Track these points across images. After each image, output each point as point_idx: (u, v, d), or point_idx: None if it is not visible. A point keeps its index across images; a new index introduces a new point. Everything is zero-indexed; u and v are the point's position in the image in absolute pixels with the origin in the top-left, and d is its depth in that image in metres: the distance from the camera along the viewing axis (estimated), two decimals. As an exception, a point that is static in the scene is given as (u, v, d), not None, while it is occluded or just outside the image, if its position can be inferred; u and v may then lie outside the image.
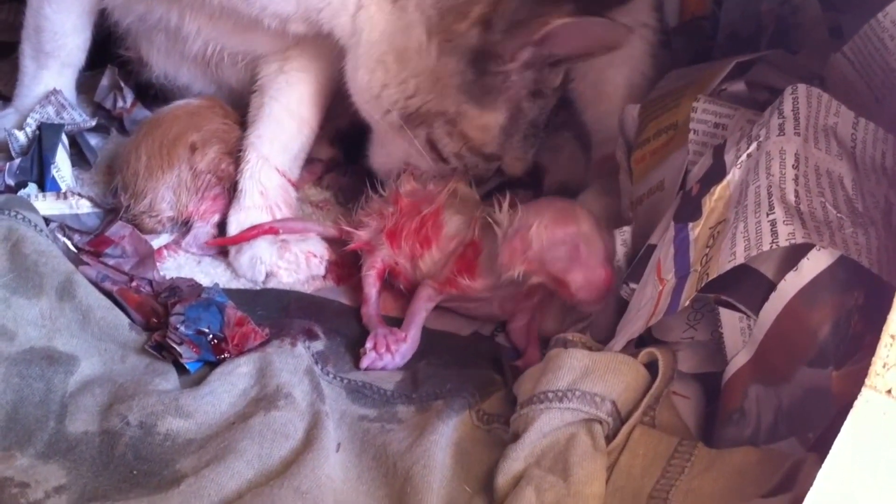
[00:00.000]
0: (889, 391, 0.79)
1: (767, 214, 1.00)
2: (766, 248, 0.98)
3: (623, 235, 1.23)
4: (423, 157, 1.36)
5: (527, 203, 1.25)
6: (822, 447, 0.83)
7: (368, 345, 1.25)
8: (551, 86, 1.29)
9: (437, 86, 1.28)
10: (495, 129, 1.31)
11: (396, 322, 1.31)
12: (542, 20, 1.20)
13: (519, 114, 1.31)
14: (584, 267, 1.18)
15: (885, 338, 0.79)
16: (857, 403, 0.79)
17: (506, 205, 1.25)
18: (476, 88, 1.27)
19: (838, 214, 1.01)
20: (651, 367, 1.07)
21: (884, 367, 0.79)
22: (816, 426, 0.95)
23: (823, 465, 0.79)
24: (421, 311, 1.30)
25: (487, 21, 1.24)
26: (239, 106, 1.52)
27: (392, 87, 1.31)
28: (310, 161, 1.55)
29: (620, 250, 1.22)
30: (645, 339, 1.11)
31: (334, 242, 1.44)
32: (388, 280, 1.37)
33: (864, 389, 0.79)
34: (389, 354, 1.24)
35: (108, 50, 1.61)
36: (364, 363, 1.24)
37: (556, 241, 1.19)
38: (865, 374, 0.80)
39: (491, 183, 1.46)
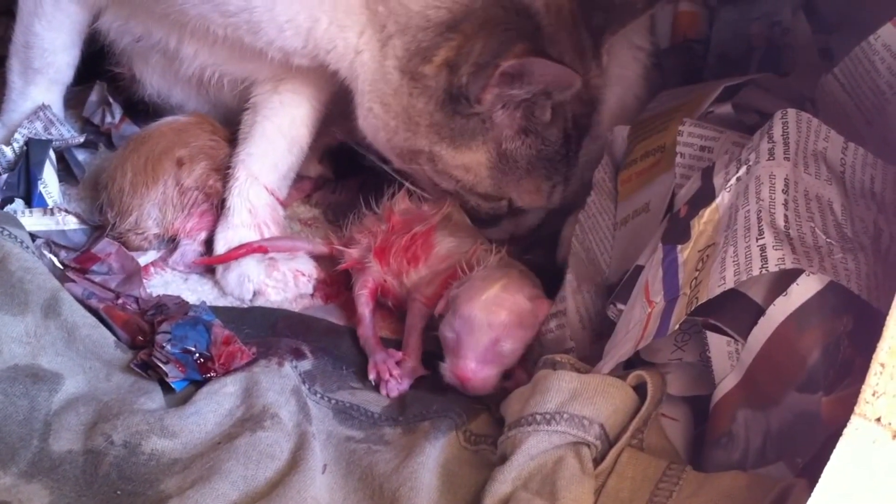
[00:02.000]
0: (878, 419, 0.79)
1: (757, 239, 1.00)
2: (755, 272, 0.98)
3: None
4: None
5: (502, 264, 1.27)
6: (811, 472, 0.83)
7: (371, 376, 1.25)
8: (540, 122, 1.29)
9: (411, 125, 1.30)
10: (480, 168, 1.32)
11: (390, 343, 1.31)
12: (496, 63, 1.22)
13: (507, 154, 1.31)
14: (453, 354, 1.20)
15: (874, 366, 0.79)
16: (846, 431, 0.79)
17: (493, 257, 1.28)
18: (447, 129, 1.29)
19: (828, 240, 1.01)
20: (640, 389, 1.07)
21: (873, 395, 0.79)
22: (805, 451, 0.95)
23: (813, 493, 0.78)
24: (418, 326, 1.30)
25: (452, 65, 1.25)
26: (231, 123, 1.52)
27: (381, 131, 1.33)
28: (299, 178, 1.55)
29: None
30: (633, 361, 1.10)
31: (323, 260, 1.43)
32: (380, 300, 1.36)
33: (853, 417, 0.79)
34: (394, 380, 1.24)
35: (97, 65, 1.60)
36: (383, 391, 1.24)
37: (461, 315, 1.19)
38: (855, 400, 0.80)
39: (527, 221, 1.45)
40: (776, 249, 0.99)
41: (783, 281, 1.00)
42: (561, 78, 1.23)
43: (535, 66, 1.21)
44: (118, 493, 1.05)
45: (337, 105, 1.43)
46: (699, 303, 1.00)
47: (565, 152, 1.33)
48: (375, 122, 1.33)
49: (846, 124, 1.19)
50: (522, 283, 1.23)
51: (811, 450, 0.94)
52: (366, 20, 1.29)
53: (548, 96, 1.26)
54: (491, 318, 1.17)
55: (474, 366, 1.18)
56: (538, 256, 1.41)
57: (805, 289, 0.98)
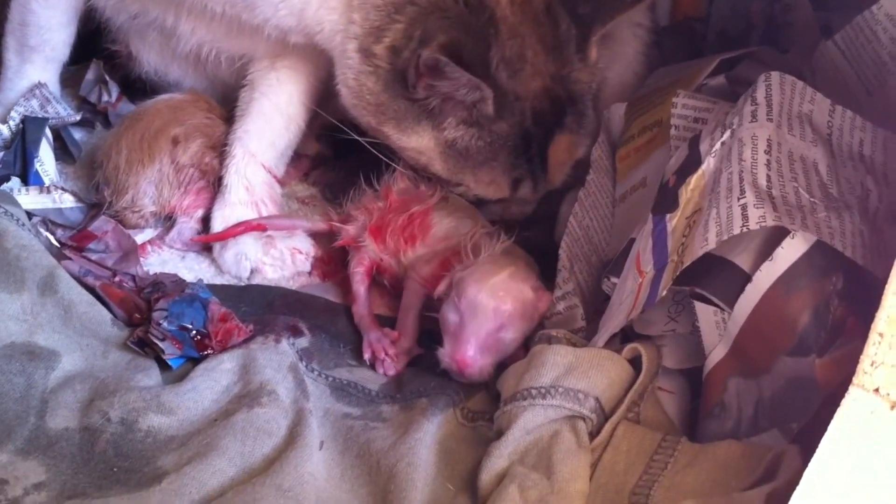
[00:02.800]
0: (877, 390, 0.78)
1: (738, 199, 1.00)
2: (736, 231, 0.98)
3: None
4: None
5: (508, 249, 1.27)
6: (806, 438, 0.82)
7: (366, 355, 1.25)
8: (483, 115, 1.28)
9: (364, 103, 1.31)
10: (430, 153, 1.32)
11: (386, 320, 1.31)
12: (417, 53, 1.22)
13: (453, 142, 1.30)
14: (454, 338, 1.18)
15: (872, 336, 0.79)
16: (844, 402, 0.79)
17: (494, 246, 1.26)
18: (392, 111, 1.29)
19: (811, 199, 1.01)
20: (635, 362, 1.07)
21: (871, 365, 0.78)
22: (801, 416, 0.95)
23: (810, 464, 0.78)
24: (414, 306, 1.29)
25: (397, 47, 1.26)
26: (228, 101, 1.51)
27: (351, 110, 1.34)
28: (296, 157, 1.55)
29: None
30: (629, 335, 1.10)
31: (320, 238, 1.43)
32: (376, 278, 1.36)
33: (851, 388, 0.79)
34: (389, 359, 1.24)
35: (93, 43, 1.59)
36: (380, 369, 1.24)
37: (467, 298, 1.17)
38: (851, 360, 0.80)
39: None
40: (757, 208, 0.98)
41: (769, 246, 0.99)
42: (467, 85, 1.23)
43: (445, 66, 1.21)
44: (115, 469, 1.05)
45: (334, 82, 1.43)
46: (684, 266, 1.00)
47: (525, 148, 1.31)
48: (345, 102, 1.34)
49: (845, 92, 1.19)
50: (528, 274, 1.22)
51: (806, 414, 0.94)
52: (340, 1, 1.29)
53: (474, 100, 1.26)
54: (497, 304, 1.16)
55: (473, 352, 1.16)
56: (537, 234, 1.40)
57: (791, 252, 0.98)
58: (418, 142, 1.31)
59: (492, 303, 1.16)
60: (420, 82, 1.25)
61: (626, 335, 1.10)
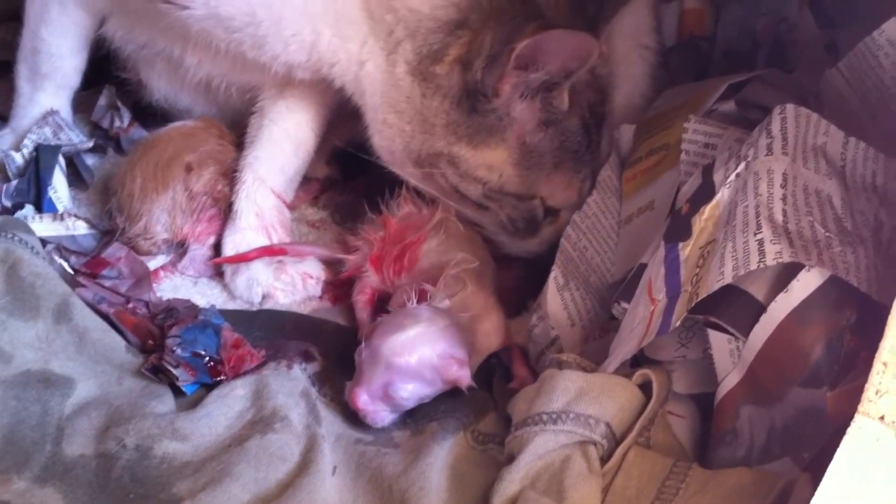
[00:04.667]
0: (882, 417, 0.79)
1: (755, 234, 1.00)
2: (753, 267, 0.98)
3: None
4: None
5: (469, 297, 1.26)
6: (816, 467, 0.83)
7: None
8: (560, 110, 1.27)
9: (426, 126, 1.28)
10: (505, 167, 1.29)
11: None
12: (510, 47, 1.21)
13: (531, 148, 1.29)
14: (355, 379, 1.18)
15: (877, 364, 0.79)
16: (850, 430, 0.79)
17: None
18: (464, 128, 1.27)
19: (826, 233, 1.01)
20: (645, 387, 1.07)
21: (876, 393, 0.79)
22: (811, 446, 0.95)
23: (816, 493, 0.79)
24: None
25: (465, 61, 1.25)
26: (239, 127, 1.52)
27: (398, 138, 1.32)
28: (306, 180, 1.56)
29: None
30: (638, 360, 1.11)
31: (331, 263, 1.44)
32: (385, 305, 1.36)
33: (857, 416, 0.79)
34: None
35: (105, 69, 1.61)
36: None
37: (370, 345, 1.17)
38: (860, 393, 0.80)
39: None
40: (774, 244, 0.99)
41: (784, 278, 1.00)
42: (579, 46, 1.21)
43: (550, 40, 1.19)
44: (131, 496, 1.06)
45: (343, 107, 1.43)
46: (699, 299, 1.01)
47: (587, 143, 1.32)
48: (391, 131, 1.31)
49: (850, 119, 1.19)
50: (448, 338, 1.18)
51: (817, 444, 0.94)
52: (367, 30, 1.29)
53: (567, 76, 1.24)
54: (392, 360, 1.15)
55: (366, 398, 1.16)
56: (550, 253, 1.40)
57: (806, 284, 0.98)
58: (493, 156, 1.29)
59: (388, 357, 1.15)
60: (504, 84, 1.23)
61: (635, 359, 1.10)
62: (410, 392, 1.16)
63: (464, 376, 1.17)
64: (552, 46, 1.20)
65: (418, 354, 1.16)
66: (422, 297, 1.25)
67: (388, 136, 1.33)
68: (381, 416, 1.17)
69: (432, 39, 1.26)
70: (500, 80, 1.23)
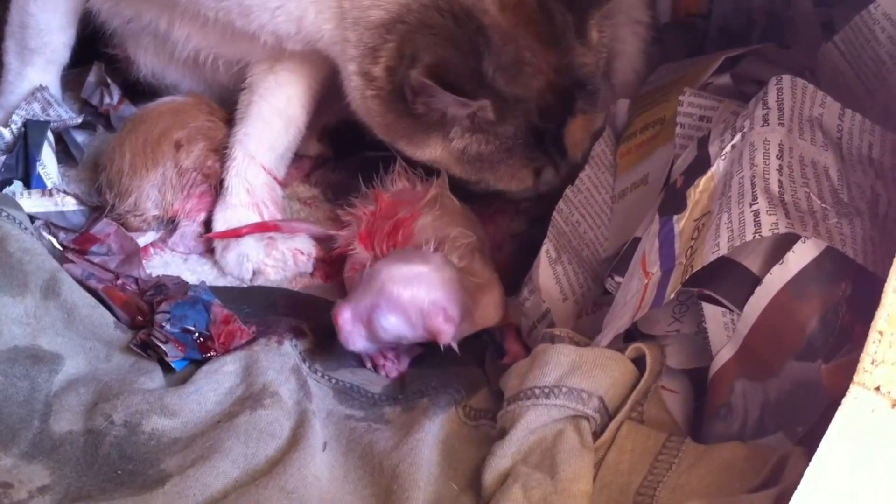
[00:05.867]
0: (877, 388, 0.78)
1: (751, 205, 0.99)
2: (749, 238, 0.97)
3: None
4: None
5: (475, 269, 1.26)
6: (811, 441, 0.82)
7: (367, 364, 1.25)
8: (485, 121, 1.27)
9: (372, 122, 1.33)
10: (445, 160, 1.32)
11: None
12: (407, 72, 1.23)
13: (464, 149, 1.30)
14: (347, 295, 1.20)
15: (873, 334, 0.79)
16: (845, 400, 0.79)
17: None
18: (401, 129, 1.30)
19: (822, 205, 1.00)
20: (639, 362, 1.06)
21: (872, 363, 0.78)
22: (805, 420, 0.95)
23: (812, 462, 0.78)
24: None
25: (392, 67, 1.26)
26: (228, 103, 1.51)
27: (359, 115, 1.35)
28: (298, 158, 1.55)
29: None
30: (632, 334, 1.10)
31: (323, 240, 1.43)
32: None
33: (852, 386, 0.79)
34: (390, 362, 1.24)
35: (94, 46, 1.59)
36: (382, 373, 1.24)
37: (373, 266, 1.19)
38: (855, 367, 0.79)
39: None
40: (770, 214, 0.98)
41: (779, 249, 0.99)
42: (455, 104, 1.24)
43: (431, 89, 1.21)
44: (119, 472, 1.05)
45: (335, 83, 1.42)
46: (694, 270, 1.00)
47: (538, 141, 1.31)
48: (357, 113, 1.35)
49: (846, 93, 1.18)
50: (446, 292, 1.18)
51: (811, 418, 0.94)
52: (333, 14, 1.29)
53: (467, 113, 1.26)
54: (386, 286, 1.15)
55: (348, 315, 1.16)
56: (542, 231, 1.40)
57: (801, 256, 0.98)
58: (432, 153, 1.32)
59: (383, 281, 1.15)
60: (417, 100, 1.25)
61: (629, 334, 1.10)
62: (391, 325, 1.16)
63: (446, 331, 1.16)
64: (435, 93, 1.21)
65: (412, 291, 1.15)
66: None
67: (365, 113, 1.35)
68: (356, 339, 1.17)
69: (367, 38, 1.27)
70: (413, 96, 1.25)
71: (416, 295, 1.15)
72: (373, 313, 1.15)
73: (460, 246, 1.26)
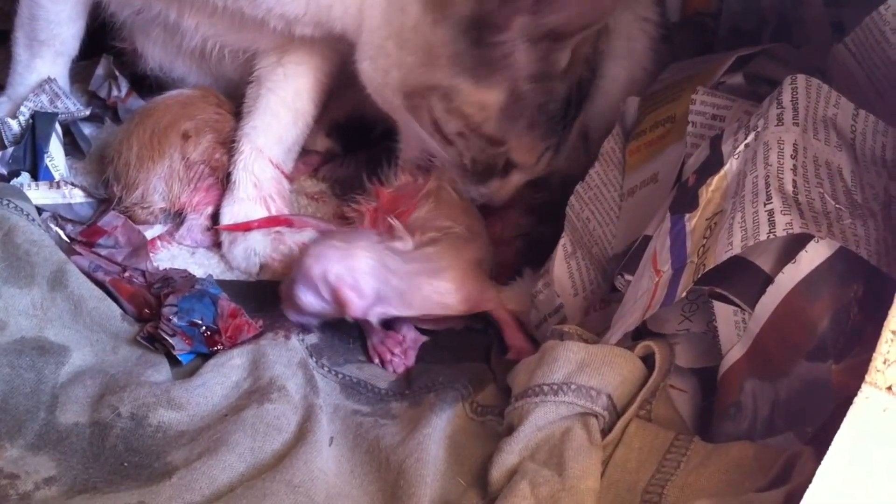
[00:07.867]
0: (889, 388, 0.78)
1: (765, 204, 0.99)
2: (763, 237, 0.97)
3: None
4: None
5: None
6: (820, 441, 0.82)
7: (375, 360, 1.26)
8: (556, 67, 1.24)
9: (430, 58, 1.25)
10: (493, 107, 1.27)
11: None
12: None
13: (520, 96, 1.26)
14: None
15: (885, 334, 0.79)
16: (857, 400, 0.79)
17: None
18: (470, 60, 1.24)
19: (836, 205, 1.00)
20: (648, 360, 1.06)
21: (884, 363, 0.78)
22: (815, 420, 0.95)
23: (822, 462, 0.78)
24: None
25: None
26: (235, 96, 1.51)
27: (393, 71, 1.29)
28: (306, 153, 1.55)
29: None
30: (641, 332, 1.10)
31: (330, 234, 1.43)
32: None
33: (864, 386, 0.78)
34: (397, 357, 1.24)
35: (103, 39, 1.59)
36: (389, 368, 1.25)
37: (315, 239, 1.24)
38: (866, 368, 0.79)
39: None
40: (784, 214, 0.98)
41: (791, 248, 0.99)
42: (579, 14, 1.19)
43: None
44: (125, 464, 1.05)
45: (343, 77, 1.42)
46: (706, 269, 1.00)
47: (564, 114, 1.30)
48: (388, 61, 1.28)
49: (857, 94, 1.18)
50: (362, 266, 1.20)
51: (821, 418, 0.93)
52: None
53: (577, 29, 1.21)
54: (303, 262, 1.20)
55: (284, 288, 1.22)
56: (552, 229, 1.39)
57: (814, 256, 0.97)
58: (487, 95, 1.26)
59: (303, 259, 1.20)
60: (515, 20, 1.20)
61: (638, 332, 1.09)
62: (308, 302, 1.20)
63: (352, 302, 1.18)
64: None
65: (322, 266, 1.18)
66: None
67: (384, 67, 1.30)
68: (290, 312, 1.22)
69: None
70: (513, 14, 1.20)
71: (325, 269, 1.18)
72: (292, 287, 1.19)
73: (429, 232, 1.27)
